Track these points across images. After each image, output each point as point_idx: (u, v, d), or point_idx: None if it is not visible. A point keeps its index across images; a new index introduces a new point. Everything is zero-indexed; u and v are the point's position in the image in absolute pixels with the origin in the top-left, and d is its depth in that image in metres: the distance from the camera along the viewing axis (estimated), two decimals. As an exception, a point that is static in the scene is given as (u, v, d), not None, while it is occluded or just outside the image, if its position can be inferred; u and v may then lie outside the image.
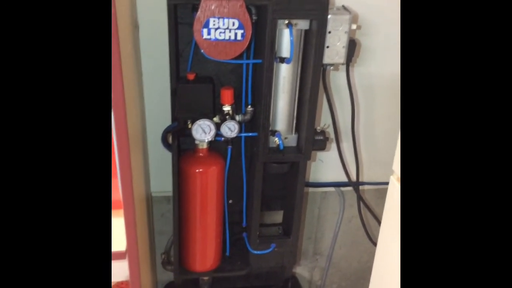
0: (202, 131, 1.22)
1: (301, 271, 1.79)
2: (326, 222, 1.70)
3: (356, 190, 1.54)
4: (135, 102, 1.16)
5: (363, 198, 1.57)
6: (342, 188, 1.62)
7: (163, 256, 1.51)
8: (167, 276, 1.57)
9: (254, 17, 1.13)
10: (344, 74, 1.35)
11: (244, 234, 1.44)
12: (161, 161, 1.42)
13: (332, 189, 1.63)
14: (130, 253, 1.04)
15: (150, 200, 1.51)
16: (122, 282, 1.18)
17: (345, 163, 1.48)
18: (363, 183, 1.62)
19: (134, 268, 1.05)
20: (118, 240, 1.03)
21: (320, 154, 1.56)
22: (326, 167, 1.59)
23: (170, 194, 1.33)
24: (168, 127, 1.28)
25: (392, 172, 1.02)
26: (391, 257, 1.06)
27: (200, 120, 1.20)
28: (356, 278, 1.84)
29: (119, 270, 1.03)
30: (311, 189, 1.62)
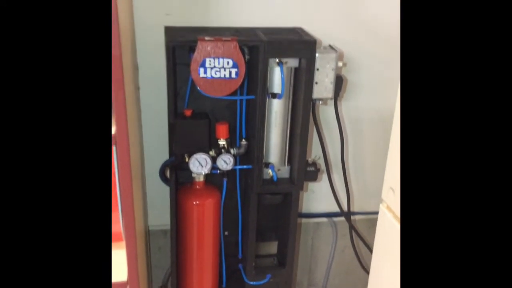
0: (199, 164, 1.26)
1: (297, 302, 1.80)
2: (320, 253, 1.73)
3: (348, 220, 1.57)
4: (135, 138, 1.21)
5: (355, 228, 1.60)
6: (334, 219, 1.66)
7: (160, 289, 1.52)
8: (164, 310, 1.57)
9: (247, 57, 1.20)
10: (332, 108, 1.42)
11: (240, 266, 1.47)
12: (157, 194, 1.46)
13: (324, 219, 1.67)
14: (131, 287, 1.05)
15: (148, 234, 1.53)
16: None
17: (336, 194, 1.52)
18: (355, 213, 1.65)
19: (134, 300, 1.06)
20: (119, 274, 1.05)
21: (312, 185, 1.61)
22: (318, 198, 1.63)
23: (166, 227, 1.36)
24: (166, 161, 1.33)
25: (381, 201, 1.06)
26: (384, 285, 1.08)
27: (197, 154, 1.25)
28: (350, 308, 1.85)
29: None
30: (304, 220, 1.65)
